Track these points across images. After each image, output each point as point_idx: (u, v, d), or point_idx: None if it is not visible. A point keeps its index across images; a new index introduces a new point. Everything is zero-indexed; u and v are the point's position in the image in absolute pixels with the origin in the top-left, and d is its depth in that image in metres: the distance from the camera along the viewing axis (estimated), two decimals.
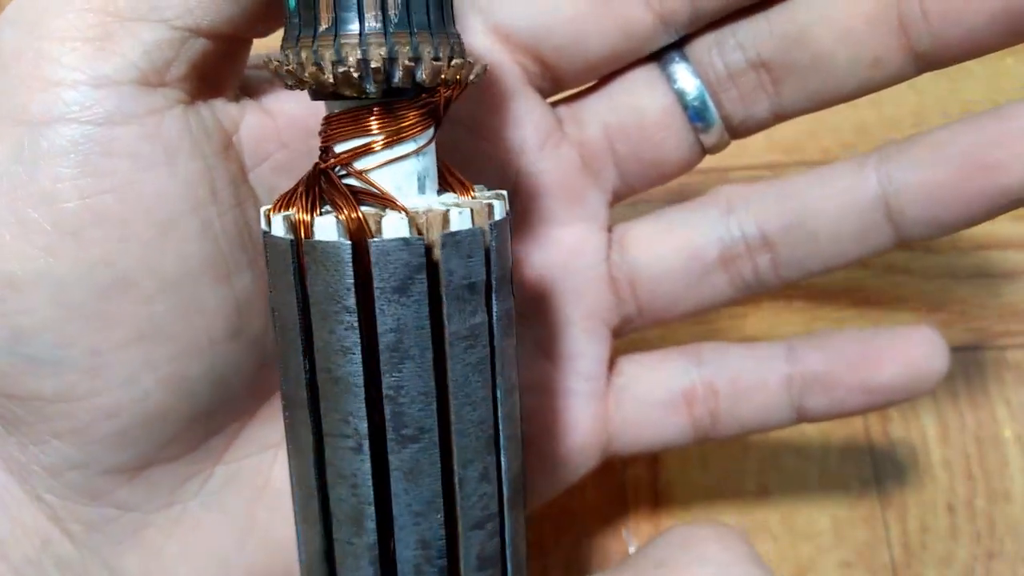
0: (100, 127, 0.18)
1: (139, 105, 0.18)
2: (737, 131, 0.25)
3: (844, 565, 0.30)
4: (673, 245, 0.25)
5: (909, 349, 0.24)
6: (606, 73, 0.24)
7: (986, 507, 0.31)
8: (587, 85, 0.25)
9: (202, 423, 0.21)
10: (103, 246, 0.18)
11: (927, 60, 0.22)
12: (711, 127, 0.24)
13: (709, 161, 0.26)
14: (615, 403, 0.26)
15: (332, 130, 0.18)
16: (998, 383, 0.33)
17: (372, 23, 0.17)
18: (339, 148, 0.18)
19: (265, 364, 0.21)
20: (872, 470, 0.32)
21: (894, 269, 0.34)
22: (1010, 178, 0.22)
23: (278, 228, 0.18)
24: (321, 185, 0.18)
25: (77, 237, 0.18)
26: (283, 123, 0.21)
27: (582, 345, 0.25)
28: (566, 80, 0.24)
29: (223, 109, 0.20)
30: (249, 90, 0.21)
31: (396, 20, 0.17)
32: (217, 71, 0.20)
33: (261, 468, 0.22)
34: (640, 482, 0.32)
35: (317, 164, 0.18)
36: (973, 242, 0.34)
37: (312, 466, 0.18)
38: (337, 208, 0.17)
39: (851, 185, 0.24)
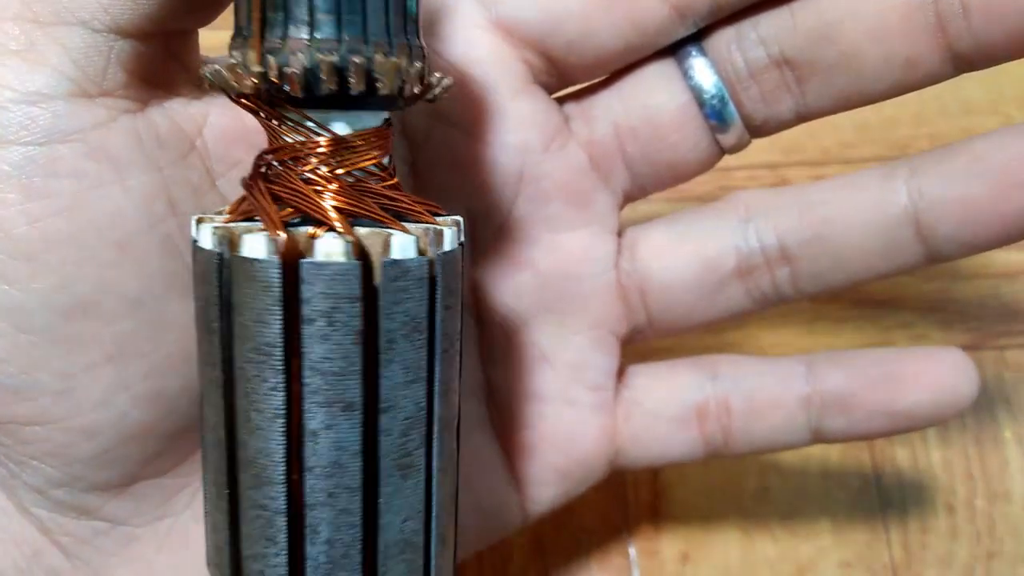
0: (41, 147, 0.17)
1: (78, 120, 0.17)
2: (758, 131, 0.22)
3: (844, 565, 0.29)
4: (687, 254, 0.23)
5: (937, 373, 0.22)
6: (618, 68, 0.22)
7: (986, 507, 0.30)
8: (598, 80, 0.23)
9: (186, 437, 0.19)
10: (59, 270, 0.17)
11: (966, 61, 0.20)
12: (730, 126, 0.22)
13: None
14: (624, 416, 0.24)
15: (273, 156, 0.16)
16: (998, 383, 0.32)
17: (325, 29, 0.15)
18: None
19: None
20: (872, 470, 0.31)
21: None
22: None
23: (205, 239, 0.16)
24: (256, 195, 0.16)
25: (31, 262, 0.17)
26: (252, 124, 0.19)
27: (588, 355, 0.23)
28: (575, 75, 0.22)
29: (182, 112, 0.18)
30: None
31: (350, 26, 0.15)
32: (162, 72, 0.18)
33: None
34: (640, 481, 0.31)
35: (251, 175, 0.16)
36: None
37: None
38: (266, 223, 0.15)
39: (879, 197, 0.21)
